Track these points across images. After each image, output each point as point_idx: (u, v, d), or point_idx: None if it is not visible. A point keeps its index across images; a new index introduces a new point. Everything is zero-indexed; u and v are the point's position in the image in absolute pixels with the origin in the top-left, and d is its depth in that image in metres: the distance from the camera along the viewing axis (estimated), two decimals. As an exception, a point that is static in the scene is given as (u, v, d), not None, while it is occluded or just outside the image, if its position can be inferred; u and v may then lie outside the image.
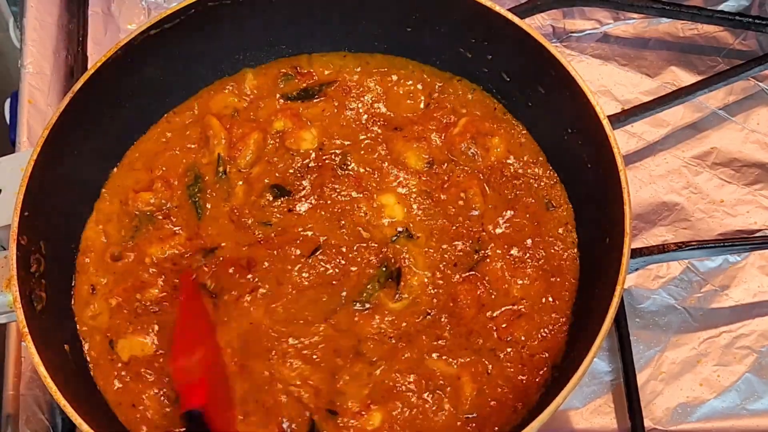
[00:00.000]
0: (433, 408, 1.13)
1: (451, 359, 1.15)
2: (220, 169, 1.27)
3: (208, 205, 1.25)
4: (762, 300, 1.37)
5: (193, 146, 1.29)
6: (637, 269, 1.35)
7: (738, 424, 1.29)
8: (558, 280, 1.19)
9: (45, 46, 1.52)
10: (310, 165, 1.27)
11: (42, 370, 1.05)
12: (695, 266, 1.37)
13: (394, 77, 1.32)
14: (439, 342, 1.16)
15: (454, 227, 1.22)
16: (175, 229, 1.24)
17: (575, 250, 1.21)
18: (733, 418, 1.30)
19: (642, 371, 1.32)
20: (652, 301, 1.36)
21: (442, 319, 1.17)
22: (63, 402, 1.04)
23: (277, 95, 1.32)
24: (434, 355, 1.15)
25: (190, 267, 1.22)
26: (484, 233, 1.21)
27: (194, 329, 1.18)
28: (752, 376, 1.32)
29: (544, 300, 1.18)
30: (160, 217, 1.24)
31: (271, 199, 1.25)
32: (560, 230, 1.22)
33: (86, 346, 1.18)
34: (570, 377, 1.02)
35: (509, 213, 1.23)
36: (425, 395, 1.13)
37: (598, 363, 1.32)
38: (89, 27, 1.53)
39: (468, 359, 1.15)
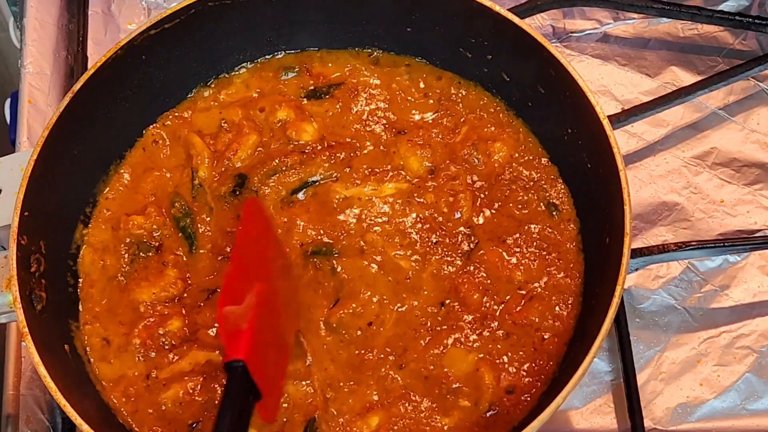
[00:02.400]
0: (443, 410, 1.12)
1: (470, 346, 1.14)
2: (196, 182, 1.24)
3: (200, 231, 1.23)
4: (762, 300, 1.37)
5: (179, 168, 1.27)
6: (637, 269, 1.35)
7: (738, 424, 1.29)
8: (559, 255, 1.19)
9: (45, 46, 1.52)
10: (305, 151, 1.26)
11: (42, 370, 1.05)
12: (695, 266, 1.37)
13: (403, 80, 1.31)
14: (456, 335, 1.15)
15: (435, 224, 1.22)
16: (170, 270, 1.20)
17: (575, 227, 1.21)
18: (733, 418, 1.30)
19: (642, 371, 1.31)
20: (652, 301, 1.36)
21: (456, 308, 1.16)
22: (63, 402, 1.04)
23: (281, 94, 1.31)
24: (452, 345, 1.14)
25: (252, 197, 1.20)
26: (470, 229, 1.21)
27: (249, 269, 1.07)
28: (752, 376, 1.31)
29: (552, 280, 1.17)
30: (154, 245, 1.21)
31: (231, 186, 1.23)
32: (562, 225, 1.21)
33: (113, 395, 1.14)
34: (570, 377, 1.02)
35: (504, 207, 1.22)
36: (433, 404, 1.12)
37: (598, 363, 1.32)
38: (89, 27, 1.53)
39: (487, 347, 1.14)
